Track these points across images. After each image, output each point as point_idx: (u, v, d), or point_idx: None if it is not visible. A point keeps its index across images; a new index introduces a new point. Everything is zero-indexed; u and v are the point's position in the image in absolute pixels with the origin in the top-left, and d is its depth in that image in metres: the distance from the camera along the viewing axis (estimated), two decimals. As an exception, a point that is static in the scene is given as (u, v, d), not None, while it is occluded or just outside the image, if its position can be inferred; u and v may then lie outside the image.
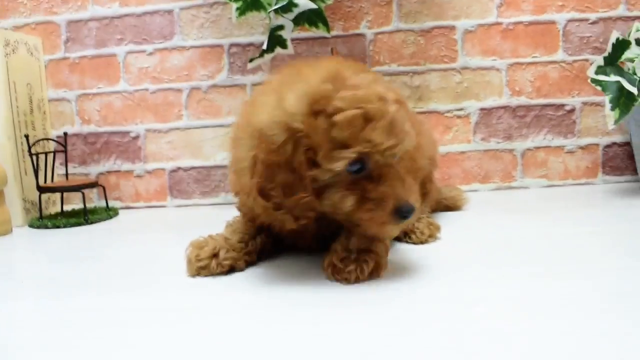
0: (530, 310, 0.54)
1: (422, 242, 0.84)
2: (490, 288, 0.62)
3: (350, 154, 0.61)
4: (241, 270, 0.74)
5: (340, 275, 0.66)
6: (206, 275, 0.71)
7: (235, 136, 0.73)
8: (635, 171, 1.32)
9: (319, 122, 0.61)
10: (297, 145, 0.62)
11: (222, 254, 0.72)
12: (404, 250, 0.80)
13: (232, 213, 0.86)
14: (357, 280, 0.66)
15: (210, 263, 0.71)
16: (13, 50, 1.25)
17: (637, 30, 1.12)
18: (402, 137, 0.63)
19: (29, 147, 1.22)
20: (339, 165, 0.62)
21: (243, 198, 0.78)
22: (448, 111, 1.34)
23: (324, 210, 0.67)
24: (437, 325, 0.51)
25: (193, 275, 0.71)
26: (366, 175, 0.64)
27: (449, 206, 1.11)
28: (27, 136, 1.22)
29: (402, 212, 0.63)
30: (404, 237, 0.85)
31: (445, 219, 1.00)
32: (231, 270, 0.73)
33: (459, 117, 1.34)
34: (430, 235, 0.85)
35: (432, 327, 0.51)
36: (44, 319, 0.60)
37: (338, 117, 0.61)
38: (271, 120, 0.63)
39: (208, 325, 0.55)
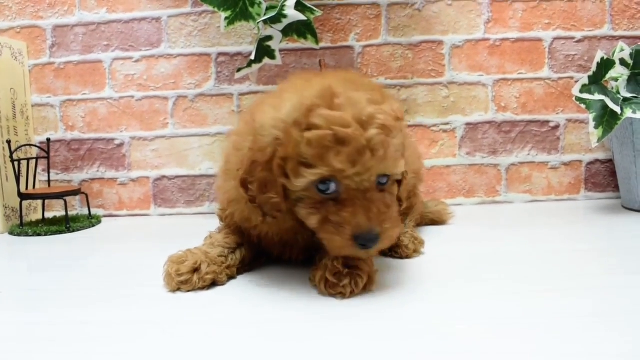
0: (513, 328, 0.54)
1: (406, 257, 0.84)
2: (472, 305, 0.62)
3: (312, 174, 0.61)
4: (222, 284, 0.73)
5: (334, 289, 0.66)
6: (188, 290, 0.70)
7: (238, 138, 0.72)
8: (616, 188, 1.33)
9: (294, 135, 0.61)
10: (275, 151, 0.63)
11: (204, 268, 0.71)
12: (388, 265, 0.80)
13: (216, 223, 0.85)
14: (352, 294, 0.66)
15: (191, 278, 0.70)
16: (-3, 55, 1.23)
17: (622, 50, 1.14)
18: (373, 165, 0.61)
19: (11, 153, 1.20)
20: (301, 182, 0.62)
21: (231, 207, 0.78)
22: (434, 125, 1.35)
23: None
24: (418, 344, 0.51)
25: (173, 290, 0.70)
26: (334, 197, 0.63)
27: (434, 220, 1.11)
28: (9, 142, 1.20)
29: (360, 241, 0.61)
30: (389, 251, 0.85)
31: (430, 233, 1.01)
32: (212, 284, 0.72)
33: (445, 131, 1.35)
34: (415, 251, 0.86)
35: (414, 347, 0.51)
36: (21, 332, 0.59)
37: (308, 135, 0.60)
38: (265, 121, 0.65)
39: (190, 339, 0.54)
